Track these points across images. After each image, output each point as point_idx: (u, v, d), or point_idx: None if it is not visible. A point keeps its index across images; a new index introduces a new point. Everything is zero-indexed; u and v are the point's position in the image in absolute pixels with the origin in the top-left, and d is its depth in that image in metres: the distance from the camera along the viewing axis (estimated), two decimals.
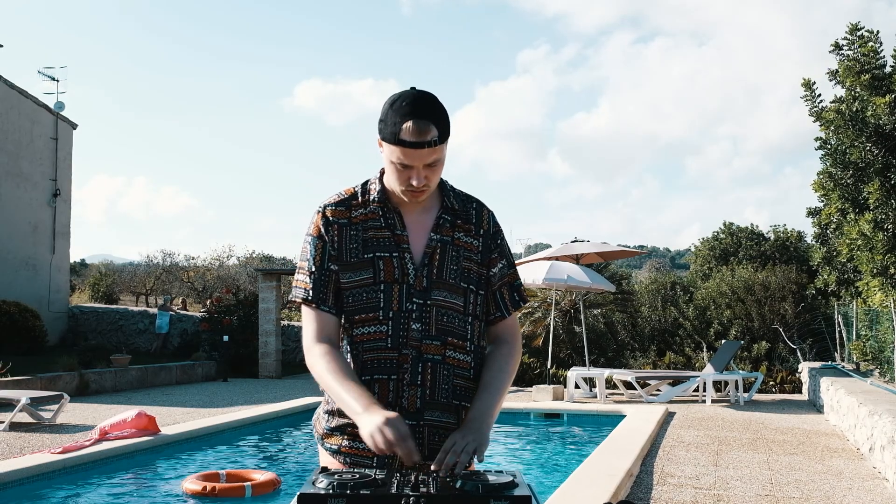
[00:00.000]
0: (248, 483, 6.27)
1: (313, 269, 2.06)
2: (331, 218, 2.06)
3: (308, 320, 2.06)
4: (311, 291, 2.05)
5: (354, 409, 1.88)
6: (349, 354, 2.05)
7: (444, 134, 1.95)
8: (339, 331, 2.07)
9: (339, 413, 2.03)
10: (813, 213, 11.57)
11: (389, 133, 1.93)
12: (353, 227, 2.06)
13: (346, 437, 2.03)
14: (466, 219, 2.12)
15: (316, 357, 2.00)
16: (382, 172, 2.09)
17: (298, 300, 2.07)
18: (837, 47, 10.50)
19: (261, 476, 6.44)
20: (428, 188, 1.99)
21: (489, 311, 2.15)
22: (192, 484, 6.20)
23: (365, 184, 2.11)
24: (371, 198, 2.07)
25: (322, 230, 2.06)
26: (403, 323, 2.01)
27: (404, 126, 1.91)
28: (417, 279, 2.03)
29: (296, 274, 2.11)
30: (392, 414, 1.81)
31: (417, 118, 1.91)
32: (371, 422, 1.81)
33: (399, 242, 2.04)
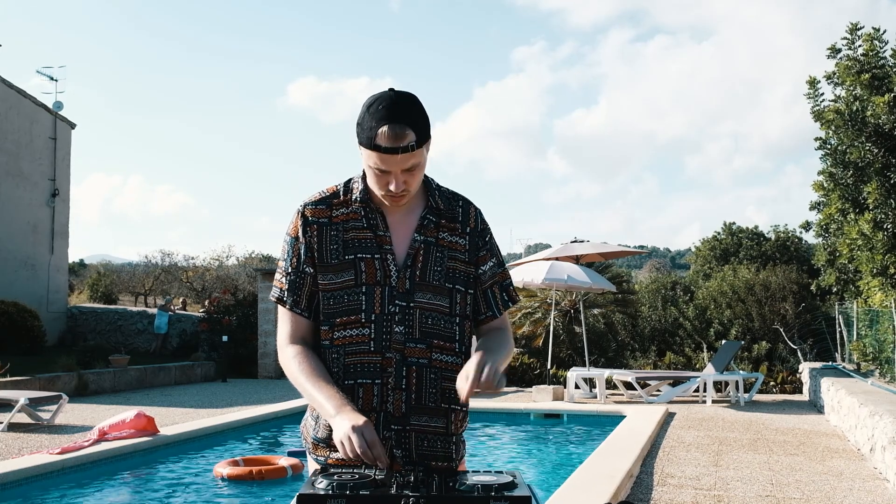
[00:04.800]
0: (287, 465, 6.80)
1: (289, 269, 2.04)
2: (310, 218, 2.03)
3: (283, 321, 2.06)
4: (285, 292, 2.04)
5: (327, 412, 1.87)
6: (331, 357, 2.01)
7: (421, 138, 1.90)
8: (313, 332, 2.05)
9: (322, 419, 2.01)
10: (817, 206, 11.52)
11: (365, 138, 1.90)
12: (334, 226, 2.02)
13: (332, 448, 2.01)
14: (452, 218, 2.08)
15: (288, 357, 2.00)
16: None
17: (273, 299, 2.08)
18: (834, 51, 10.51)
19: (284, 462, 6.95)
20: (408, 193, 1.96)
21: (479, 311, 2.10)
22: (231, 469, 6.71)
23: (348, 182, 2.07)
24: (353, 197, 2.03)
25: (300, 231, 2.03)
26: (386, 326, 1.97)
27: (380, 131, 1.86)
28: (400, 281, 1.99)
29: (276, 272, 2.10)
30: (360, 420, 1.79)
31: (393, 122, 1.86)
32: (340, 428, 1.79)
33: (381, 243, 2.01)
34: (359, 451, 1.75)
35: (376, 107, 1.89)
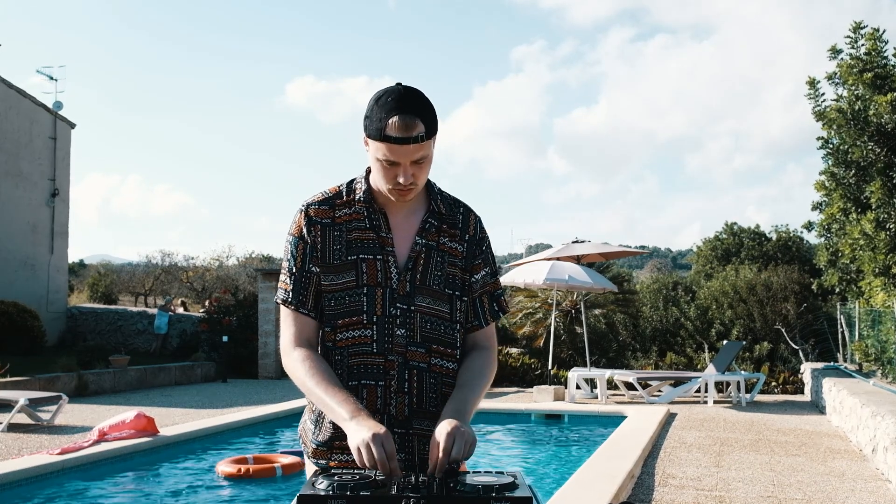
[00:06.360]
0: (278, 464, 6.83)
1: (294, 270, 2.01)
2: (313, 217, 2.01)
3: (287, 322, 2.02)
4: (290, 293, 2.01)
5: (340, 416, 1.83)
6: (334, 359, 1.99)
7: (430, 130, 1.90)
8: (318, 334, 2.03)
9: (326, 422, 1.98)
10: (819, 206, 11.51)
11: (375, 129, 1.89)
12: (337, 227, 2.01)
13: (334, 451, 1.99)
14: (453, 223, 2.07)
15: (296, 361, 1.96)
16: (369, 171, 2.03)
17: (279, 301, 2.04)
18: (835, 52, 10.49)
19: (286, 459, 7.01)
20: (415, 186, 1.94)
21: (466, 319, 2.10)
22: (226, 466, 6.76)
23: (350, 182, 2.06)
24: (356, 197, 2.02)
25: (304, 230, 2.01)
26: (388, 328, 1.96)
27: (390, 121, 1.86)
28: (400, 284, 1.98)
29: (280, 275, 2.07)
30: (380, 429, 1.76)
31: (403, 113, 1.86)
32: (358, 434, 1.76)
33: (384, 245, 1.99)
34: (377, 462, 1.72)
35: (385, 99, 1.89)
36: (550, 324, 14.97)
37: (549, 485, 6.73)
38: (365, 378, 1.96)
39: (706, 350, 15.56)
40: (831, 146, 10.63)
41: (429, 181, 2.08)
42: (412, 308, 1.98)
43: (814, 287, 13.78)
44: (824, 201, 11.20)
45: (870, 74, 9.72)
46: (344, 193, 2.04)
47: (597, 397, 12.56)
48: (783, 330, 15.81)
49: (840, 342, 14.76)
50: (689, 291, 19.88)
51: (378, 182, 1.97)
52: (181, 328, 19.19)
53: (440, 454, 1.76)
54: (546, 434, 10.15)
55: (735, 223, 26.68)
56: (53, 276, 19.73)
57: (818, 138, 10.87)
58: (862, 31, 10.19)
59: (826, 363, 14.11)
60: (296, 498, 1.61)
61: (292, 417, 10.19)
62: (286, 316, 2.03)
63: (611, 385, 13.66)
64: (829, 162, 10.75)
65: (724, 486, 6.00)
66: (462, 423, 1.81)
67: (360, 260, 1.98)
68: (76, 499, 6.16)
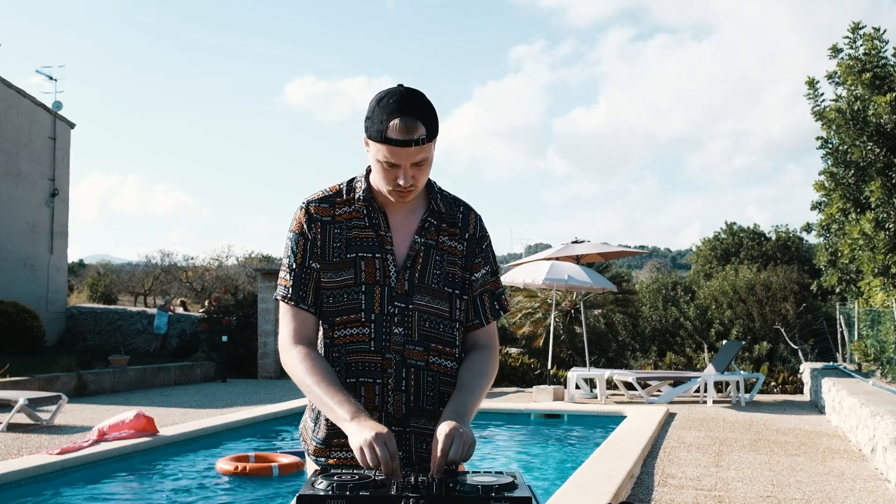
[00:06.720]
0: (275, 463, 6.88)
1: (294, 265, 2.02)
2: (314, 214, 2.02)
3: (286, 319, 2.02)
4: (290, 289, 2.01)
5: (340, 416, 1.83)
6: (332, 356, 2.00)
7: (431, 132, 1.91)
8: (318, 330, 2.03)
9: (322, 420, 1.99)
10: (818, 205, 11.52)
11: (376, 131, 1.89)
12: (337, 225, 2.01)
13: (332, 449, 1.99)
14: (452, 222, 2.07)
15: (295, 359, 1.96)
16: (369, 170, 2.04)
17: (279, 297, 2.04)
18: (836, 51, 10.50)
19: (286, 459, 7.07)
20: (415, 188, 1.95)
21: (467, 318, 2.10)
22: (225, 464, 6.85)
23: (351, 181, 2.07)
24: (356, 196, 2.03)
25: (304, 227, 2.02)
26: (386, 326, 1.97)
27: (391, 123, 1.86)
28: (399, 282, 1.99)
29: (280, 271, 2.07)
30: (382, 429, 1.77)
31: (405, 115, 1.86)
32: (360, 435, 1.76)
33: (382, 243, 2.00)
34: (380, 461, 1.72)
35: (387, 101, 1.89)
36: (550, 324, 14.97)
37: (548, 485, 6.74)
38: (362, 376, 1.97)
39: (705, 350, 15.57)
40: (831, 146, 10.65)
41: (429, 180, 2.08)
42: (410, 306, 1.99)
43: (813, 287, 13.79)
44: (824, 201, 11.21)
45: (868, 75, 9.73)
46: (344, 192, 2.05)
47: (596, 397, 12.56)
48: (782, 330, 15.83)
49: (839, 342, 14.77)
50: (688, 291, 19.89)
51: (378, 183, 1.98)
52: (181, 328, 19.19)
53: (438, 455, 1.77)
54: (545, 434, 10.15)
55: (735, 223, 26.72)
56: (53, 276, 19.73)
57: (818, 138, 10.88)
58: (860, 32, 10.20)
59: (825, 363, 14.11)
60: (295, 498, 1.62)
61: (292, 417, 10.20)
62: (285, 312, 2.03)
63: (610, 385, 13.66)
64: (829, 162, 10.76)
65: (723, 485, 6.00)
66: (461, 425, 1.82)
67: (359, 258, 1.99)
68: (76, 499, 6.16)
